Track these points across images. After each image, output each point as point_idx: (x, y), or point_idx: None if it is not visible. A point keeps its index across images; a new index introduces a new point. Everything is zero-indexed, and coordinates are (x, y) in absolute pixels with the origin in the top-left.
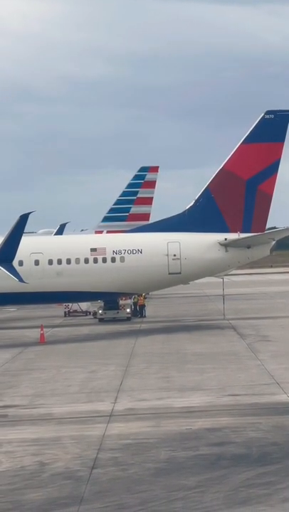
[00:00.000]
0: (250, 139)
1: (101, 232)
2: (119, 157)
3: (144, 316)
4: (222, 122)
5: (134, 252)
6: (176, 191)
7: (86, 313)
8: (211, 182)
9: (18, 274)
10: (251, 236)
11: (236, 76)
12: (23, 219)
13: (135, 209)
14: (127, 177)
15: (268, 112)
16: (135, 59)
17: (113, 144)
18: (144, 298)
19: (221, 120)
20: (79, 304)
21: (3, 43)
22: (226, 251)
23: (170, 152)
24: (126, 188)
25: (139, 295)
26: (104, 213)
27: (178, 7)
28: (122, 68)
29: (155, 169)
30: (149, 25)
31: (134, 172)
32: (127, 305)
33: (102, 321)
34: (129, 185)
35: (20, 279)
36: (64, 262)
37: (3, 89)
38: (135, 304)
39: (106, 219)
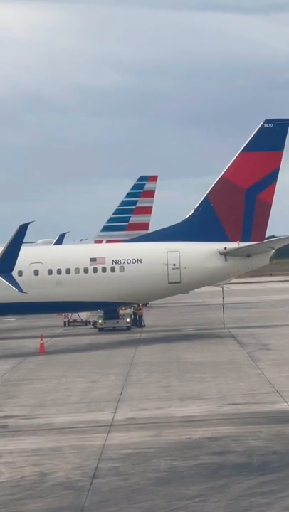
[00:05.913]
0: (249, 148)
1: (100, 241)
2: (120, 166)
3: (144, 326)
4: (229, 131)
5: (134, 261)
6: (177, 200)
7: (86, 322)
8: (210, 191)
9: (17, 284)
10: (251, 245)
11: (244, 84)
12: (23, 229)
13: (134, 218)
14: (126, 186)
15: (266, 121)
16: (144, 67)
17: (114, 153)
18: (141, 308)
19: (228, 128)
20: (79, 313)
21: (11, 52)
22: (226, 260)
23: (172, 161)
24: (125, 197)
25: (139, 305)
26: (103, 223)
27: (187, 16)
28: (129, 77)
29: (154, 178)
30: (157, 34)
31: (133, 181)
32: (126, 314)
33: (101, 330)
34: (129, 195)
35: (20, 289)
36: (64, 271)
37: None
38: (135, 313)
39: (105, 228)
